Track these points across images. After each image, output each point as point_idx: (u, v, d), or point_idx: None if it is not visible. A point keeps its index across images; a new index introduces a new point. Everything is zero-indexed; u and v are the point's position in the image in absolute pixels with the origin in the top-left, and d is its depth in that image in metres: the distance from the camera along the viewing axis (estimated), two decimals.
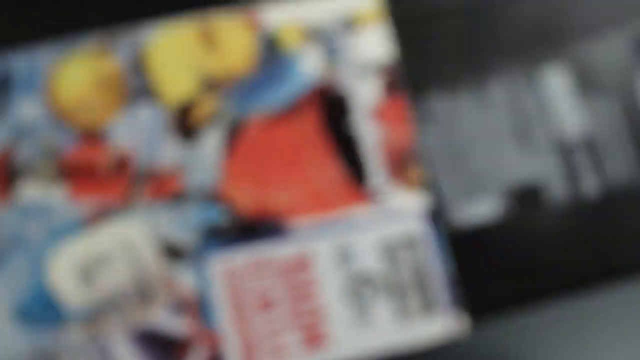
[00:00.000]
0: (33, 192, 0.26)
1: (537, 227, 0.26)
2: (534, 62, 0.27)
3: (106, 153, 0.26)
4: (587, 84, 0.27)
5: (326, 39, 0.27)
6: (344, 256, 0.26)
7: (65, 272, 0.26)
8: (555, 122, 0.27)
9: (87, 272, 0.26)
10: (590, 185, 0.26)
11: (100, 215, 0.26)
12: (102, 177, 0.26)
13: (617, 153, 0.27)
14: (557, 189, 0.27)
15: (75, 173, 0.26)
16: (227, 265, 0.26)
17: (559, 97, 0.27)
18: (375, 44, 0.27)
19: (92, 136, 0.26)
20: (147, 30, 0.27)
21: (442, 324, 0.26)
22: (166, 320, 0.26)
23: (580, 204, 0.26)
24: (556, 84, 0.27)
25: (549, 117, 0.27)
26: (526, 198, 0.27)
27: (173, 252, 0.26)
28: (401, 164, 0.26)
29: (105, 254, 0.26)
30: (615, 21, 0.28)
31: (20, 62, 0.27)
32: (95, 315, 0.25)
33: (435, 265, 0.26)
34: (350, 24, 0.27)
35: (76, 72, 0.27)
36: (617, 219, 0.26)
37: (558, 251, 0.26)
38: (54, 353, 0.25)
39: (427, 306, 0.26)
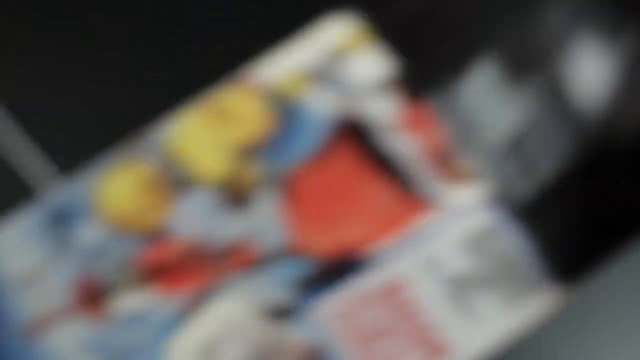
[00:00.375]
0: (124, 303, 0.26)
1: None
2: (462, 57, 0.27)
3: (174, 247, 0.27)
4: (515, 74, 0.27)
5: (326, 74, 0.27)
6: (432, 266, 0.26)
7: None
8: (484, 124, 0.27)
9: (209, 353, 0.26)
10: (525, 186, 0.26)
11: (195, 304, 0.26)
12: (182, 269, 0.27)
13: (550, 148, 0.27)
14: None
15: (154, 275, 0.27)
16: (332, 310, 0.26)
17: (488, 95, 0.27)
18: (371, 62, 0.28)
19: (157, 235, 0.27)
20: (163, 127, 0.28)
21: (544, 299, 0.26)
22: None
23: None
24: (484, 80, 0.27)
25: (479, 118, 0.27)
26: None
27: (278, 314, 0.26)
28: (446, 164, 0.27)
29: (215, 339, 0.26)
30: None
31: (65, 193, 0.28)
32: None
33: (517, 247, 0.26)
34: (341, 53, 0.28)
35: (118, 186, 0.27)
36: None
37: None
38: None
39: (525, 288, 0.26)
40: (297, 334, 0.26)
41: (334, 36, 0.28)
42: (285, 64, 0.28)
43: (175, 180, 0.27)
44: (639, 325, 0.25)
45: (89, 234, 0.27)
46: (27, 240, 0.27)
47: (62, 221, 0.27)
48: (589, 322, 0.25)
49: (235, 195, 0.27)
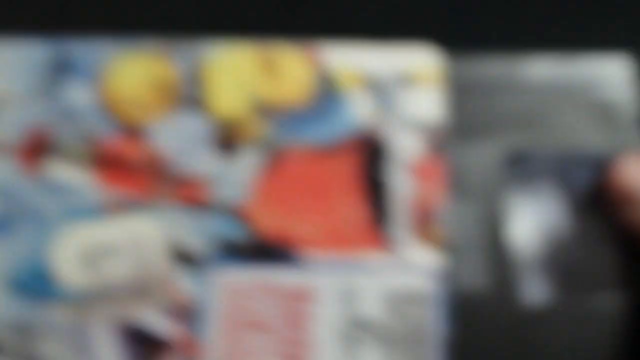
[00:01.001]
0: (61, 171, 0.27)
1: None
2: None
3: (142, 150, 0.27)
4: (454, 189, 0.28)
5: (380, 88, 0.28)
6: (348, 296, 0.26)
7: (70, 252, 0.26)
8: None
9: (92, 258, 0.26)
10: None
11: (119, 207, 0.26)
12: (132, 171, 0.27)
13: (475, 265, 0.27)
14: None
15: (107, 162, 0.27)
16: (231, 281, 0.26)
17: None
18: (425, 103, 0.28)
19: (134, 131, 0.27)
20: (209, 45, 0.28)
21: None
22: (155, 320, 0.26)
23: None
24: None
25: None
26: None
27: (182, 257, 0.26)
28: (425, 221, 0.27)
29: (114, 245, 0.26)
30: (490, 130, 0.29)
31: (81, 49, 0.28)
32: (87, 301, 0.26)
33: (434, 326, 0.26)
34: (406, 79, 0.28)
35: (132, 69, 0.28)
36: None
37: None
38: (36, 327, 0.26)
39: None
40: (185, 284, 0.26)
41: (410, 60, 0.28)
42: (352, 57, 0.28)
43: (185, 95, 0.28)
44: None
45: (75, 96, 0.27)
46: (19, 66, 0.27)
47: (61, 69, 0.27)
48: None
49: (227, 138, 0.27)
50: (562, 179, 0.28)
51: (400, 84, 0.28)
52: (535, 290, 0.27)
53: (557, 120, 0.28)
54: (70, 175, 0.27)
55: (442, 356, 0.26)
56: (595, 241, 0.27)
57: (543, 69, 0.29)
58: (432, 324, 0.26)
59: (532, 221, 0.28)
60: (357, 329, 0.26)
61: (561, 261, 0.27)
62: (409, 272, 0.27)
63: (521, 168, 0.28)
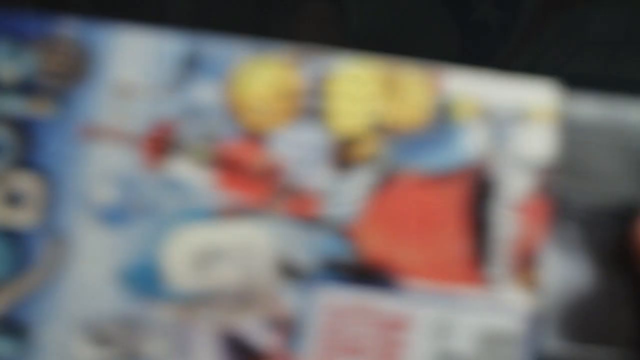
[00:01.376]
0: (182, 169, 0.27)
1: None
2: None
3: (262, 157, 0.27)
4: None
5: (497, 121, 0.28)
6: (442, 329, 0.27)
7: (182, 252, 0.27)
8: None
9: (202, 260, 0.27)
10: None
11: (234, 212, 0.27)
12: (250, 177, 0.27)
13: None
14: None
15: (226, 165, 0.27)
16: (333, 301, 0.27)
17: None
18: (540, 142, 0.28)
19: (256, 137, 0.27)
20: (337, 60, 0.28)
21: None
22: (255, 330, 0.27)
23: None
24: None
25: None
26: None
27: (288, 270, 0.27)
28: (525, 262, 0.27)
29: (224, 249, 0.27)
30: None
31: (213, 49, 0.27)
32: (193, 303, 0.26)
33: None
34: (522, 115, 0.28)
35: (261, 75, 0.27)
36: None
37: None
38: (141, 324, 0.26)
39: None
40: (288, 298, 0.27)
41: (529, 95, 0.28)
42: (475, 87, 0.28)
43: (308, 107, 0.27)
44: None
45: (202, 94, 0.27)
46: (152, 58, 0.27)
47: (191, 65, 0.27)
48: None
49: (343, 154, 0.28)
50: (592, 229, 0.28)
51: (516, 118, 0.28)
52: (549, 339, 0.28)
53: None
54: (190, 174, 0.27)
55: None
56: (614, 295, 0.28)
57: None
58: None
59: (560, 268, 0.28)
60: None
61: (579, 312, 0.28)
62: (503, 312, 0.27)
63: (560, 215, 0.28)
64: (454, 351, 0.27)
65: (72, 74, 0.27)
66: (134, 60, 0.27)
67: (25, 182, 0.27)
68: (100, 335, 0.26)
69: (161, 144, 0.27)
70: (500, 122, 0.28)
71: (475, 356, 0.27)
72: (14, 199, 0.27)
